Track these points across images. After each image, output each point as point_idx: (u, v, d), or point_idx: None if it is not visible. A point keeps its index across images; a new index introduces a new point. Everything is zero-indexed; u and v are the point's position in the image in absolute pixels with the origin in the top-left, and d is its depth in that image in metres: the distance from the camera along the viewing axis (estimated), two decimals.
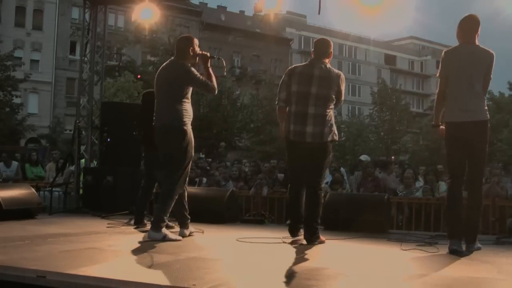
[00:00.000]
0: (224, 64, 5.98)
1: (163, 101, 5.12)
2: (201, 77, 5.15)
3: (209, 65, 5.27)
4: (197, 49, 5.26)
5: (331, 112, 4.93)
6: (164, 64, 5.39)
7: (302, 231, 4.97)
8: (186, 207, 5.44)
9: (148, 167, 6.21)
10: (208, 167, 11.25)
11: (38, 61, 34.94)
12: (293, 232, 5.01)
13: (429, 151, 34.18)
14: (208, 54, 5.34)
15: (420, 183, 9.10)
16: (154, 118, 5.18)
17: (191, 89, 5.16)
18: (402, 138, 37.86)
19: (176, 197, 5.09)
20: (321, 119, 4.85)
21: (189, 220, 5.41)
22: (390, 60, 56.00)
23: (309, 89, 4.88)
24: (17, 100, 28.05)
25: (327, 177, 9.50)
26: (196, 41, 5.32)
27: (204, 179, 9.61)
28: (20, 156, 13.12)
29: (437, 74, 4.78)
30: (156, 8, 8.61)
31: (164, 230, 4.96)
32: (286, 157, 5.27)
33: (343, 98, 5.11)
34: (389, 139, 36.82)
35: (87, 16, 9.45)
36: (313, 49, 5.15)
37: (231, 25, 42.61)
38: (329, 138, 4.90)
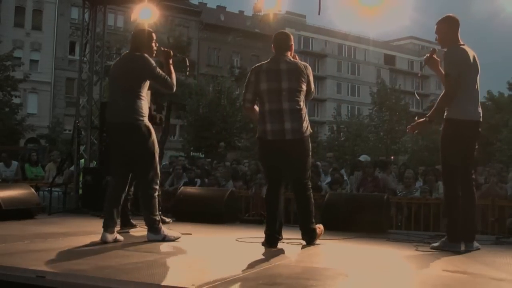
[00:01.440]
0: (187, 64, 5.77)
1: (118, 96, 4.87)
2: (160, 71, 4.87)
3: (170, 62, 5.05)
4: (155, 44, 5.08)
5: (303, 105, 4.73)
6: (119, 57, 5.15)
7: (280, 240, 4.76)
8: (119, 210, 4.95)
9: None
10: (207, 167, 11.27)
11: (37, 61, 34.98)
12: (271, 243, 4.63)
13: (429, 151, 34.18)
14: (171, 52, 5.14)
15: (420, 183, 9.11)
16: (107, 114, 4.95)
17: (148, 83, 4.94)
18: (402, 138, 37.87)
19: (156, 193, 4.91)
20: (297, 113, 4.63)
21: (116, 226, 4.93)
22: (389, 60, 56.04)
23: (280, 84, 4.65)
24: (16, 100, 28.08)
25: (327, 178, 9.53)
26: (154, 36, 5.13)
27: (198, 180, 9.62)
28: (20, 156, 13.11)
29: (449, 71, 4.52)
30: (155, 8, 8.61)
31: (163, 230, 4.89)
32: (262, 160, 5.03)
33: (313, 89, 4.88)
34: (388, 139, 36.81)
35: (86, 16, 9.45)
36: (272, 44, 4.94)
37: (231, 25, 42.65)
38: (307, 133, 4.72)
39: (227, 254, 4.46)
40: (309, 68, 4.85)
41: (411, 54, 59.47)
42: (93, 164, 9.32)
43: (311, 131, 4.81)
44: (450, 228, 4.61)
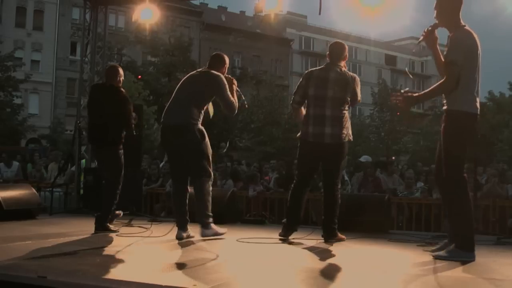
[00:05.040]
0: (246, 103, 5.98)
1: (179, 102, 5.19)
2: (229, 94, 5.23)
3: (234, 88, 5.39)
4: (225, 70, 5.46)
5: (346, 114, 5.09)
6: (196, 71, 5.50)
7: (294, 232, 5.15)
8: (186, 209, 5.37)
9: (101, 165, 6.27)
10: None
11: (38, 61, 34.94)
12: (286, 233, 5.10)
13: (430, 152, 34.16)
14: (234, 80, 5.46)
15: (421, 183, 9.11)
16: (168, 115, 5.20)
17: (211, 99, 5.31)
18: (403, 139, 37.83)
19: (210, 192, 5.29)
20: (338, 120, 5.01)
21: (188, 223, 5.34)
22: (390, 60, 55.98)
23: (326, 92, 5.02)
24: (17, 101, 28.02)
25: None
26: (227, 62, 5.53)
27: None
28: (20, 156, 13.12)
29: (456, 58, 4.03)
30: (156, 9, 8.63)
31: (213, 226, 5.22)
32: (299, 157, 5.29)
33: (359, 98, 5.21)
34: (389, 139, 36.79)
35: (87, 16, 9.46)
36: (328, 53, 5.29)
37: (232, 26, 42.60)
38: (346, 139, 5.06)
39: (228, 255, 4.46)
40: (357, 79, 5.23)
41: (412, 54, 59.41)
42: (94, 164, 9.32)
43: (351, 138, 5.15)
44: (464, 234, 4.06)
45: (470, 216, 4.10)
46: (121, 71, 6.04)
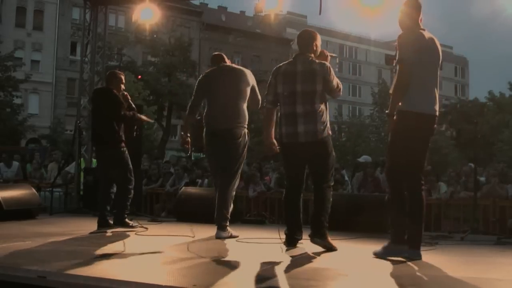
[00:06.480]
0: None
1: (228, 104, 5.31)
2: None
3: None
4: None
5: (322, 107, 4.58)
6: (223, 68, 5.53)
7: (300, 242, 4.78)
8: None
9: (101, 166, 6.25)
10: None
11: (38, 61, 34.97)
12: (290, 243, 4.68)
13: (429, 152, 34.09)
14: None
15: None
16: (218, 119, 5.32)
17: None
18: None
19: (233, 196, 5.42)
20: (312, 116, 4.52)
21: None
22: (390, 60, 56.03)
23: (294, 87, 4.58)
24: (17, 101, 28.03)
25: None
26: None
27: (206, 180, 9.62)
28: (20, 156, 13.11)
29: (402, 56, 4.01)
30: (156, 9, 8.64)
31: (229, 229, 5.28)
32: (283, 161, 5.03)
33: (337, 86, 4.66)
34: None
35: (87, 16, 9.48)
36: (297, 44, 4.87)
37: (232, 26, 42.66)
38: (324, 134, 4.60)
39: (228, 255, 4.46)
40: (327, 65, 4.63)
41: None
42: (94, 164, 9.33)
43: (330, 133, 4.68)
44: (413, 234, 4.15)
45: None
46: (120, 76, 6.04)
